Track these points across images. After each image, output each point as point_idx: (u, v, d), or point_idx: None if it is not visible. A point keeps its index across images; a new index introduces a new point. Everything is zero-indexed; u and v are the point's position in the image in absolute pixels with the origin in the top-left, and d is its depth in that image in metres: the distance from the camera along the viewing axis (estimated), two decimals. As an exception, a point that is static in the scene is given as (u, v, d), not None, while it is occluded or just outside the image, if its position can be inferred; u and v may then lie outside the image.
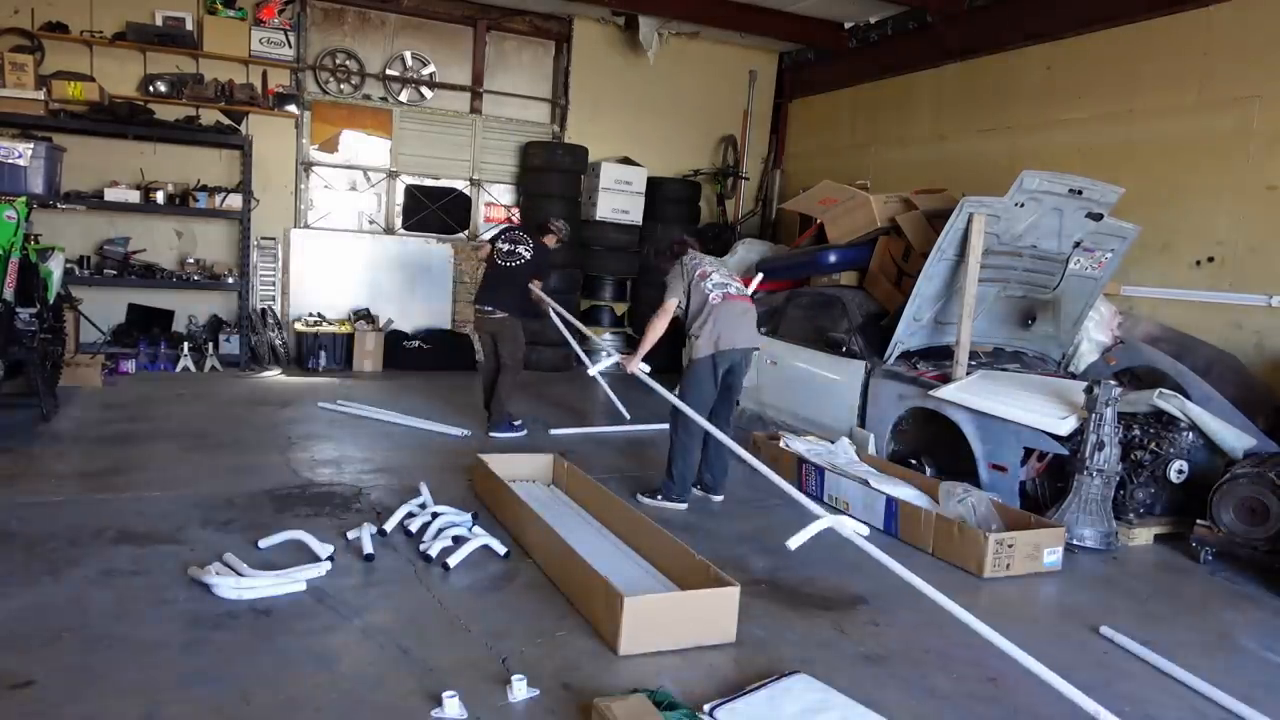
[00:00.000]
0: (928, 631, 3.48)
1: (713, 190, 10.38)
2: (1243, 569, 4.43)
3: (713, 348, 4.85)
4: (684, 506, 4.83)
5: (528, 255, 6.43)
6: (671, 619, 3.04)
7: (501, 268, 6.44)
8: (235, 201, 8.08)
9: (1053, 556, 4.21)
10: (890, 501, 4.62)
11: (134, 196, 7.90)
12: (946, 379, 5.32)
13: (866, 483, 4.82)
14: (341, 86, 8.95)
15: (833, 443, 5.56)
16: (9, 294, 5.32)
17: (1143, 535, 4.82)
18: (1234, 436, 4.78)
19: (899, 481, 4.90)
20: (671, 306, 5.01)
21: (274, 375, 8.02)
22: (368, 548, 3.78)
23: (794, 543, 3.25)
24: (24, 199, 5.68)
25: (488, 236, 6.64)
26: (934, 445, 5.45)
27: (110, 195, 7.79)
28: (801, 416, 6.43)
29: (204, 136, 8.16)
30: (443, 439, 6.11)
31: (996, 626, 3.69)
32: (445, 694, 2.60)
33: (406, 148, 9.35)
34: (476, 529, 4.04)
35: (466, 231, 9.74)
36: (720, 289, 4.93)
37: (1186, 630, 3.72)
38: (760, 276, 6.38)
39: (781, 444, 5.58)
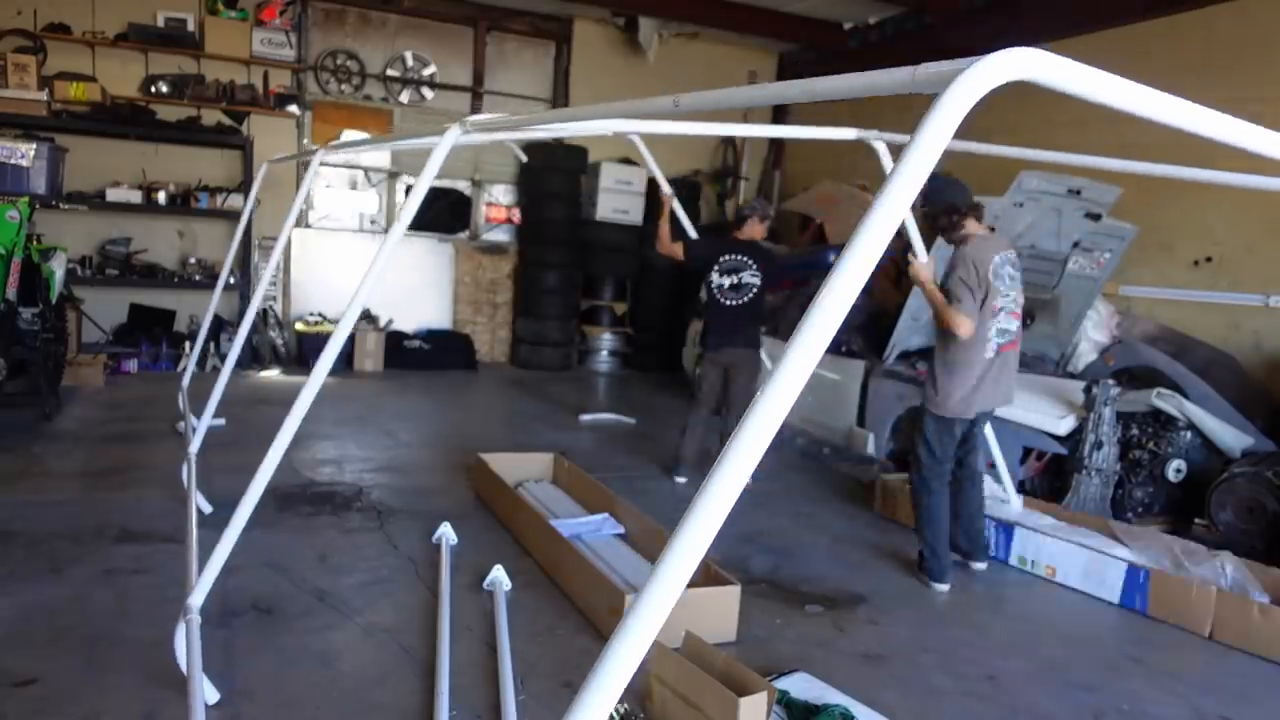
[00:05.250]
0: (928, 631, 3.50)
1: (713, 190, 10.38)
2: (1241, 568, 4.44)
3: (964, 408, 3.90)
4: (945, 588, 3.93)
5: (757, 282, 5.25)
6: (672, 617, 3.04)
7: (730, 307, 5.27)
8: (236, 201, 8.10)
9: None
10: (1135, 570, 3.71)
11: (136, 197, 7.91)
12: (946, 379, 5.32)
13: (1084, 544, 4.02)
14: (342, 87, 8.97)
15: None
16: (12, 294, 5.33)
17: (1142, 534, 4.82)
18: (1232, 436, 4.80)
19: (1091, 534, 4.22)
20: (965, 327, 3.74)
21: (274, 375, 8.04)
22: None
23: None
24: (26, 199, 5.69)
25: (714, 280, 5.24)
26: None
27: (112, 195, 7.81)
28: (801, 415, 6.45)
29: (205, 137, 8.17)
30: (446, 438, 6.12)
31: (994, 626, 3.71)
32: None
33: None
34: None
35: (467, 231, 9.75)
36: (998, 337, 3.88)
37: (1185, 629, 3.73)
38: None
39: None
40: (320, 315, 8.77)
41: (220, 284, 6.24)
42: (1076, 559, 3.96)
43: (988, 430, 4.46)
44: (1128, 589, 3.73)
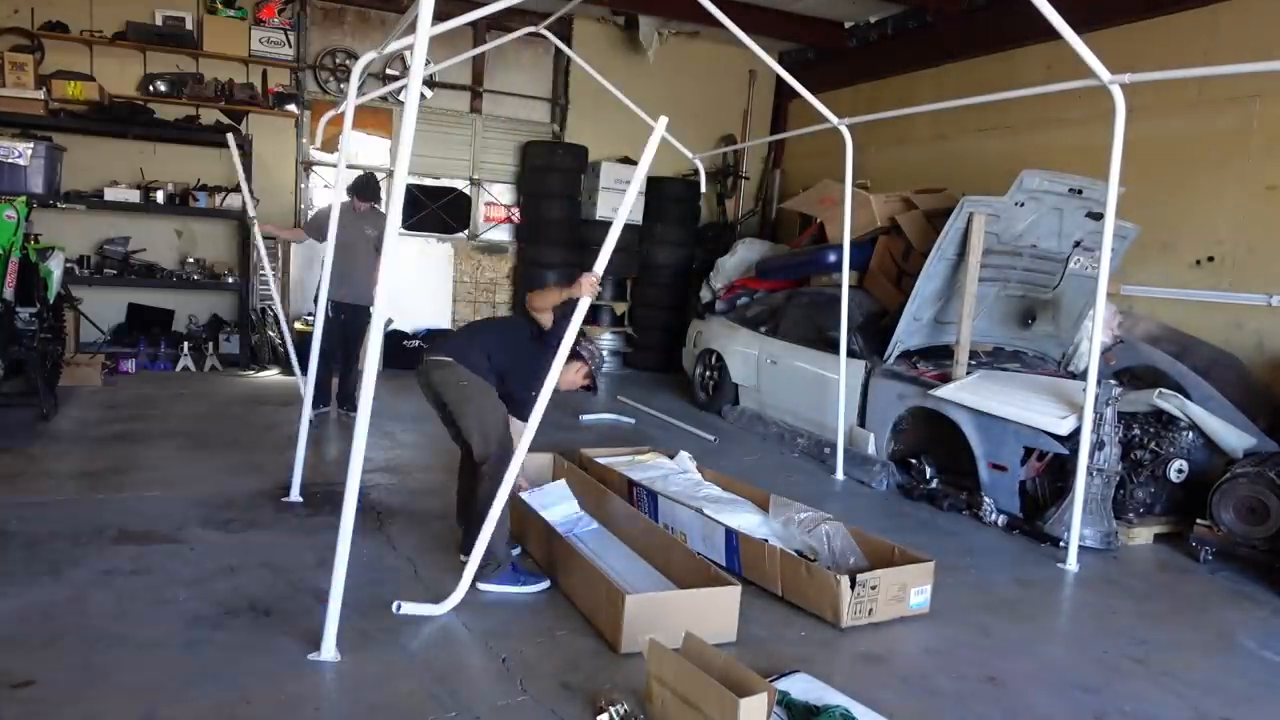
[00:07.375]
0: (928, 631, 3.49)
1: (713, 190, 10.37)
2: (1242, 568, 4.43)
3: None
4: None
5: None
6: (672, 618, 3.03)
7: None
8: (235, 201, 8.08)
9: (920, 597, 3.57)
10: (730, 534, 3.84)
11: (134, 196, 7.89)
12: (946, 378, 5.32)
13: (702, 511, 4.07)
14: (341, 86, 8.94)
15: (671, 458, 5.05)
16: (9, 294, 5.32)
17: (1143, 534, 4.82)
18: (1234, 436, 4.79)
19: (741, 504, 4.34)
20: None
21: (274, 375, 8.01)
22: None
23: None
24: (24, 198, 5.69)
25: None
26: (934, 445, 5.45)
27: (110, 195, 7.79)
28: (801, 415, 6.44)
29: (204, 136, 8.14)
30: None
31: (995, 624, 3.69)
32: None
33: (406, 147, 9.34)
34: None
35: (466, 231, 9.74)
36: None
37: (1186, 629, 3.72)
38: None
39: (604, 461, 4.91)
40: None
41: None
42: (695, 525, 4.02)
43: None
44: (729, 552, 3.84)
